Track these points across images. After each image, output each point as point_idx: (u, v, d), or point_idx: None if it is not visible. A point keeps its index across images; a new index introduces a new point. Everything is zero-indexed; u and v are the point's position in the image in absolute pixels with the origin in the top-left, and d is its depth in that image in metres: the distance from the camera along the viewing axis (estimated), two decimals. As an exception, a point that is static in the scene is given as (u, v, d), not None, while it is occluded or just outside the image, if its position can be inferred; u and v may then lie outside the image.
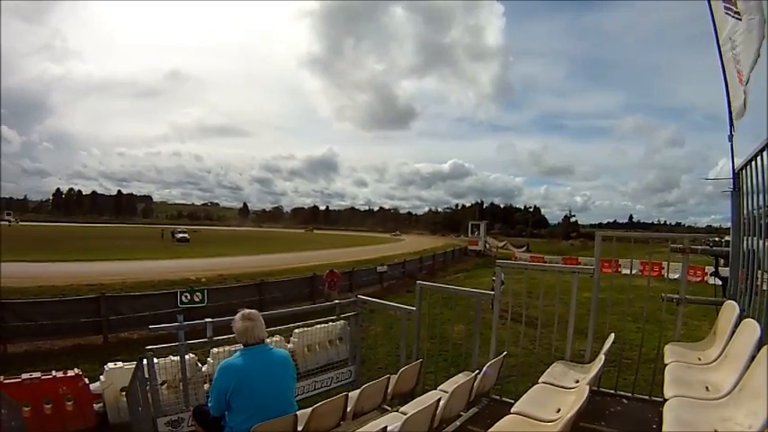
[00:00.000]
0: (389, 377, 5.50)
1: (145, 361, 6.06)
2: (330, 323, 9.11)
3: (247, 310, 3.92)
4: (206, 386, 7.70)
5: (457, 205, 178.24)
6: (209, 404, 3.85)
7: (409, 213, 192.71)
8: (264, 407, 3.68)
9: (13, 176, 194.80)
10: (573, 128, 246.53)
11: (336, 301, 8.64)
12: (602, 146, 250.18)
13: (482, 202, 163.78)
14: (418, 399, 5.23)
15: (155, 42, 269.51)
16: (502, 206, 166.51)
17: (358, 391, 5.17)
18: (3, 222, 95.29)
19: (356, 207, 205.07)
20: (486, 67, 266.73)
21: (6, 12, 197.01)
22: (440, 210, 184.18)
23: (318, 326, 8.94)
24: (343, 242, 73.57)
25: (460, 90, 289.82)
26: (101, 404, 8.98)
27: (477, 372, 5.55)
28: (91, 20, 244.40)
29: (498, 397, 6.01)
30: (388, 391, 5.47)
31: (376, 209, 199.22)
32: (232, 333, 3.75)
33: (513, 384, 6.21)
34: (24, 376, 8.43)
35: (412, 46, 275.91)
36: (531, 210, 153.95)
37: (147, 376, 6.09)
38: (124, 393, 8.78)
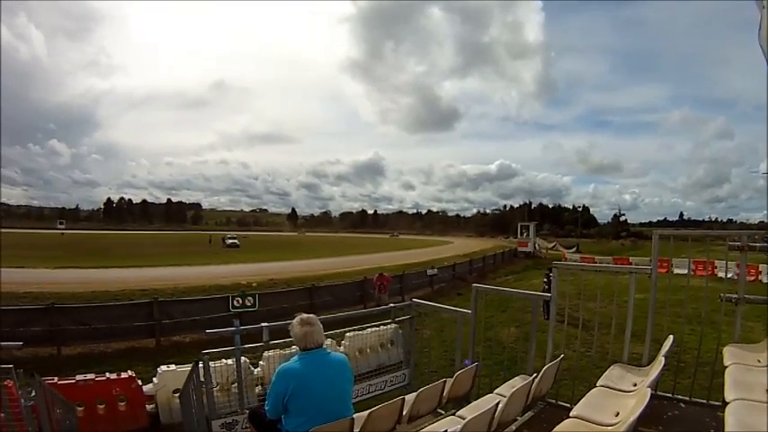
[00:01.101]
0: (445, 380, 5.44)
1: (201, 364, 6.19)
2: (382, 326, 9.08)
3: (306, 315, 3.96)
4: (257, 389, 7.79)
5: (505, 206, 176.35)
6: (266, 407, 3.90)
7: (457, 215, 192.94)
8: (322, 410, 3.69)
9: (64, 187, 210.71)
10: (619, 123, 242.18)
11: (392, 305, 8.71)
12: (650, 141, 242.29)
13: (530, 203, 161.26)
14: (475, 403, 5.17)
15: (197, 54, 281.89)
16: (550, 206, 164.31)
17: (414, 394, 5.13)
18: (56, 231, 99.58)
19: (404, 210, 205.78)
20: (528, 65, 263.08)
21: (53, 31, 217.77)
22: (488, 211, 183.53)
23: (370, 329, 8.88)
24: (392, 245, 73.55)
25: (503, 89, 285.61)
26: (153, 405, 9.22)
27: (534, 375, 5.44)
28: (133, 36, 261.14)
29: (554, 401, 5.88)
30: (444, 394, 5.42)
31: (424, 212, 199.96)
32: (284, 337, 3.70)
33: (566, 388, 6.10)
34: (78, 377, 8.72)
35: (451, 46, 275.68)
36: (580, 209, 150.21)
37: (202, 379, 6.20)
38: (177, 395, 8.95)
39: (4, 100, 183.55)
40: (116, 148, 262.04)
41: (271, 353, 7.51)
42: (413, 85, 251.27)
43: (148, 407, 9.22)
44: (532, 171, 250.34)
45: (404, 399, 4.57)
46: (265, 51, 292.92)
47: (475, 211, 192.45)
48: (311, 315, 3.99)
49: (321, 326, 3.94)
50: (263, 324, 6.58)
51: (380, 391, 7.66)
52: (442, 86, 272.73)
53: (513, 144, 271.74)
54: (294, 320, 3.92)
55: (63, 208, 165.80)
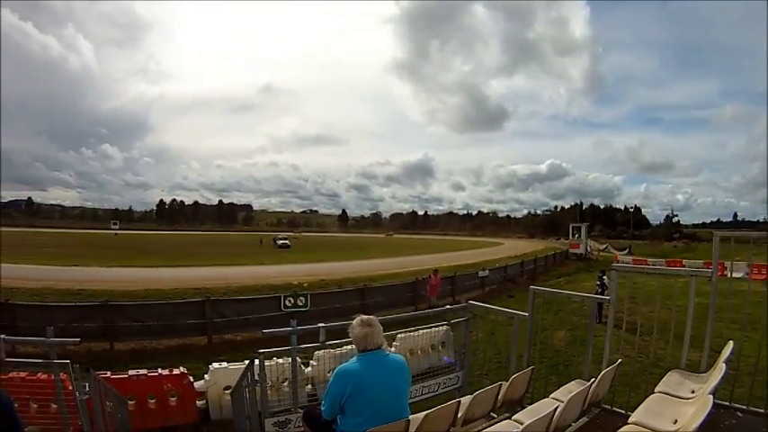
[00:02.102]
0: (501, 384, 5.37)
1: (257, 362, 6.31)
2: (434, 328, 9.12)
3: (366, 316, 3.98)
4: (308, 388, 7.97)
5: (556, 207, 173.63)
6: (323, 407, 3.94)
7: (508, 216, 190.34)
8: (379, 411, 3.71)
9: (117, 189, 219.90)
10: (670, 120, 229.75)
11: (447, 307, 8.61)
12: (702, 138, 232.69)
13: (581, 204, 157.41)
14: (531, 407, 5.11)
15: (245, 59, 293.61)
16: (601, 207, 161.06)
17: (470, 397, 5.07)
18: (110, 231, 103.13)
19: (454, 211, 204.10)
20: (575, 61, 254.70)
21: (101, 41, 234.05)
22: (539, 212, 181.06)
23: (422, 331, 8.84)
24: (443, 247, 73.13)
25: (551, 86, 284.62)
26: (203, 401, 9.47)
27: (592, 380, 5.30)
28: (181, 43, 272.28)
29: (609, 407, 5.80)
30: (498, 397, 5.35)
31: (474, 213, 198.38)
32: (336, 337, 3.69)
33: (619, 394, 5.99)
34: (131, 372, 9.01)
35: (497, 44, 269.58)
36: (632, 210, 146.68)
37: (256, 378, 6.34)
38: (227, 392, 9.18)
39: (57, 108, 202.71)
40: (167, 151, 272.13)
41: (322, 353, 7.72)
42: (460, 84, 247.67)
43: (199, 403, 9.46)
44: (583, 171, 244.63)
45: (460, 401, 4.55)
46: (311, 55, 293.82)
47: (525, 212, 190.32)
48: (371, 316, 4.01)
49: (381, 327, 3.95)
50: (319, 324, 6.61)
51: (433, 393, 7.59)
52: (489, 85, 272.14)
53: (562, 143, 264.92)
54: (354, 321, 3.95)
55: (116, 209, 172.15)
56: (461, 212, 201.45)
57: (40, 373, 7.00)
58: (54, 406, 6.53)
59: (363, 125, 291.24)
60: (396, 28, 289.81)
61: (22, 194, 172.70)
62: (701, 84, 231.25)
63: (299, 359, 8.17)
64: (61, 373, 7.12)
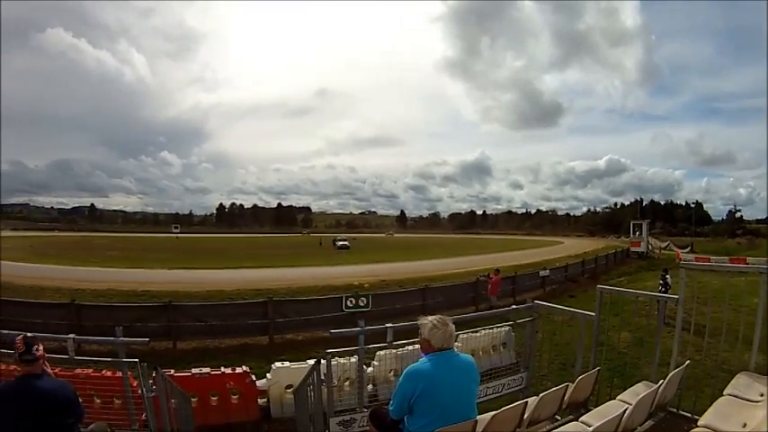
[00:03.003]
0: (567, 385, 5.32)
1: (324, 362, 6.39)
2: (495, 329, 9.16)
3: (439, 316, 3.96)
4: (369, 387, 8.03)
5: (615, 204, 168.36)
6: (391, 407, 3.95)
7: (567, 215, 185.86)
8: (447, 412, 3.71)
9: (177, 194, 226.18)
10: (729, 110, 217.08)
11: (513, 307, 8.54)
12: (763, 128, 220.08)
13: (641, 200, 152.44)
14: (598, 409, 5.08)
15: (298, 65, 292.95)
16: (662, 203, 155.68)
17: (536, 398, 5.04)
18: (171, 234, 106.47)
19: (513, 210, 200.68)
20: (628, 51, 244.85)
21: (157, 53, 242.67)
22: (598, 210, 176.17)
23: (483, 331, 8.71)
24: (502, 246, 72.21)
25: (605, 79, 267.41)
26: (265, 399, 9.66)
27: (661, 382, 5.16)
28: (235, 51, 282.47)
29: (675, 410, 5.63)
30: (564, 399, 5.31)
31: (533, 211, 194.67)
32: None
33: (685, 398, 5.78)
34: (194, 370, 9.27)
35: (547, 38, 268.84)
36: (693, 205, 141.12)
37: (322, 377, 6.40)
38: (289, 391, 9.38)
39: (115, 119, 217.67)
40: (226, 156, 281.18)
41: (384, 353, 7.77)
42: (512, 80, 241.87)
43: (260, 401, 9.64)
44: (642, 166, 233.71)
45: (527, 402, 4.59)
46: (363, 57, 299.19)
47: (585, 209, 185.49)
48: (443, 316, 3.98)
49: (453, 327, 3.92)
50: (387, 325, 6.63)
51: (497, 394, 7.53)
52: (542, 80, 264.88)
53: (620, 137, 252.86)
54: (426, 320, 3.92)
55: (177, 213, 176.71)
56: (520, 211, 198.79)
57: (104, 371, 7.23)
58: (117, 401, 6.88)
59: (418, 125, 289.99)
60: (444, 26, 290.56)
61: (85, 201, 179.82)
62: (761, 70, 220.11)
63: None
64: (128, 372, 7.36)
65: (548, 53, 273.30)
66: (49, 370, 3.98)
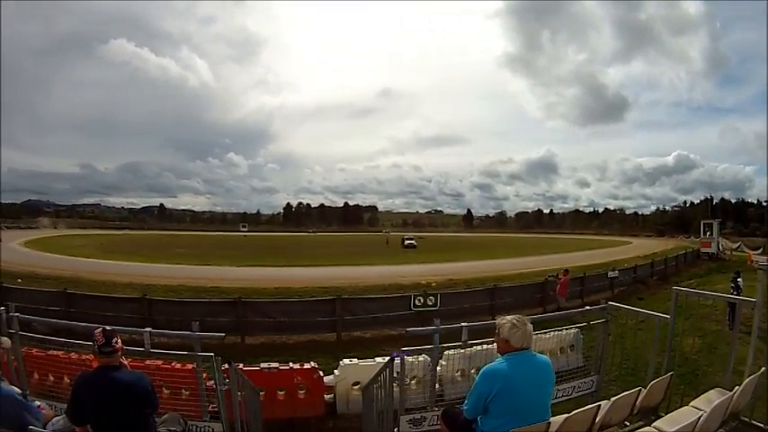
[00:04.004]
0: (639, 389, 5.20)
1: (397, 360, 6.46)
2: (564, 330, 9.03)
3: (517, 316, 3.99)
4: (435, 386, 7.78)
5: (684, 202, 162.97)
6: (465, 406, 3.98)
7: (635, 213, 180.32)
8: (522, 413, 3.71)
9: (244, 194, 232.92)
10: None
11: (587, 308, 8.37)
12: None
13: (711, 198, 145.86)
14: (670, 416, 4.94)
15: (360, 66, 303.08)
16: (732, 201, 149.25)
17: (609, 402, 4.93)
18: (239, 233, 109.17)
19: (580, 209, 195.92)
20: (693, 41, 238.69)
21: (220, 59, 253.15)
22: (667, 208, 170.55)
23: (552, 333, 8.54)
24: (570, 246, 70.65)
25: (670, 70, 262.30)
26: (331, 395, 9.79)
27: (736, 389, 5.02)
28: (297, 54, 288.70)
29: (747, 419, 5.44)
30: (636, 404, 5.22)
31: (601, 210, 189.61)
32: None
33: (758, 407, 5.52)
34: (263, 365, 9.48)
35: (609, 29, 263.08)
36: (766, 204, 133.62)
37: (395, 375, 6.45)
38: (355, 387, 9.53)
39: (181, 123, 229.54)
40: (291, 157, 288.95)
41: (452, 352, 7.67)
42: (575, 74, 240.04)
43: (326, 396, 9.76)
44: (712, 162, 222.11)
45: (599, 405, 4.56)
46: (424, 56, 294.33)
47: (653, 208, 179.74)
48: (521, 316, 4.00)
49: (531, 327, 3.94)
50: (462, 324, 6.62)
51: (567, 397, 7.39)
52: (606, 74, 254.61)
53: (688, 132, 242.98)
54: (505, 320, 3.94)
55: (244, 213, 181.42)
56: (587, 210, 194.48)
57: (173, 363, 7.51)
58: (185, 392, 7.09)
59: (483, 123, 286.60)
60: (503, 22, 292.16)
61: (154, 201, 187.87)
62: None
63: (428, 357, 8.26)
64: (194, 363, 7.54)
65: (610, 45, 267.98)
66: (125, 362, 4.12)
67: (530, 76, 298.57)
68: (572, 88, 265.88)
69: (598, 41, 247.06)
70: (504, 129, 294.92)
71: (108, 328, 3.97)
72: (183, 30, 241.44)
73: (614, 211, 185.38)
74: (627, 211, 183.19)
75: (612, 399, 4.93)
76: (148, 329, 6.14)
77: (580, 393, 7.66)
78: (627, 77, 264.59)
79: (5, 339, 4.53)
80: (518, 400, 3.69)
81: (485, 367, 3.90)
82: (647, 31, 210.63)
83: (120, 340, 3.94)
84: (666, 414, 5.09)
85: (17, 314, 6.52)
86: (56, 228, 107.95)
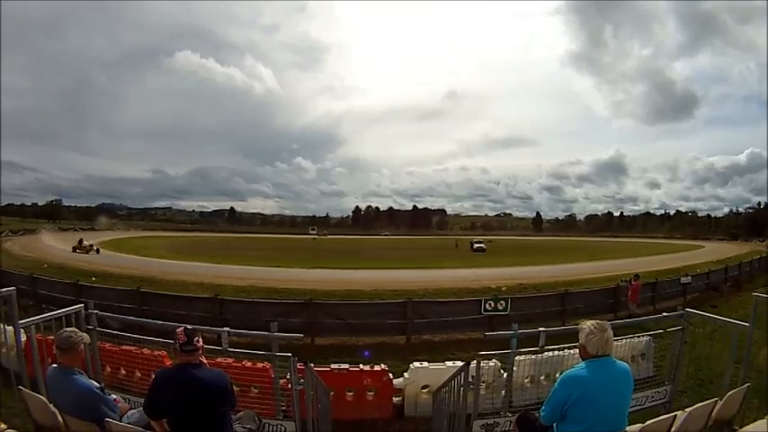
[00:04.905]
0: (716, 401, 5.05)
1: (473, 364, 6.43)
2: (635, 338, 8.96)
3: (596, 321, 3.97)
4: (503, 392, 7.76)
5: (759, 204, 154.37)
6: (542, 412, 4.00)
7: (708, 216, 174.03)
8: (600, 420, 3.70)
9: (313, 198, 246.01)
10: None
11: (664, 314, 8.15)
12: None
13: None
14: (745, 429, 4.72)
15: (426, 69, 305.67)
16: None
17: (684, 413, 4.81)
18: (308, 236, 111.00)
19: (650, 211, 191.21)
20: (759, 29, 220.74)
21: (285, 66, 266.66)
22: (741, 210, 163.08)
23: (623, 340, 8.30)
24: (640, 250, 68.56)
25: (739, 62, 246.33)
26: (400, 398, 9.79)
27: None
28: (362, 59, 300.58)
29: None
30: (711, 415, 5.05)
31: (672, 212, 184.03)
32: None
33: None
34: (333, 366, 9.59)
35: (672, 21, 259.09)
36: None
37: (470, 380, 6.43)
38: (424, 390, 9.55)
39: (249, 129, 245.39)
40: (359, 161, 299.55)
41: (522, 357, 7.58)
42: (642, 70, 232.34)
43: (395, 399, 9.78)
44: None
45: (675, 416, 4.48)
46: (489, 57, 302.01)
47: (726, 210, 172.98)
48: (604, 321, 3.98)
49: (611, 333, 3.90)
50: (540, 329, 6.63)
51: (639, 407, 7.20)
52: (672, 68, 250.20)
53: (761, 128, 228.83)
54: (585, 325, 3.94)
55: (313, 216, 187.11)
56: (658, 212, 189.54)
57: (244, 361, 7.76)
58: (254, 390, 7.32)
59: (549, 123, 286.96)
60: (565, 19, 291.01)
61: (225, 205, 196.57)
62: None
63: (498, 363, 8.52)
64: (265, 363, 7.67)
65: (675, 38, 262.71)
66: (204, 360, 4.24)
67: (595, 74, 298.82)
68: (639, 85, 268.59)
69: (662, 34, 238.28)
70: (572, 129, 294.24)
71: (189, 327, 4.12)
72: (247, 39, 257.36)
73: (686, 213, 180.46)
74: (699, 214, 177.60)
75: (688, 409, 4.84)
76: (226, 329, 6.32)
77: (653, 403, 7.52)
78: (694, 71, 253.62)
79: (86, 335, 4.65)
80: (596, 408, 3.67)
81: (564, 373, 3.90)
82: (712, 21, 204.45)
83: (201, 339, 4.07)
84: (741, 428, 4.91)
85: (95, 311, 6.77)
86: (113, 229, 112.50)
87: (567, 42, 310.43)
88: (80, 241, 50.72)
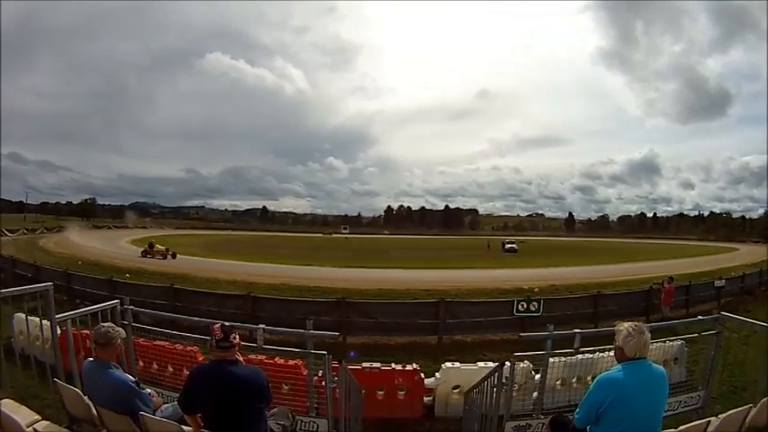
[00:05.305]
0: (750, 407, 5.01)
1: (507, 365, 6.47)
2: (667, 342, 8.76)
3: (634, 323, 3.92)
4: (534, 394, 7.93)
5: None
6: (576, 415, 3.99)
7: (743, 217, 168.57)
8: (635, 424, 3.67)
9: (345, 197, 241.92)
10: None
11: (699, 318, 8.16)
12: None
13: None
14: None
15: (456, 68, 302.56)
16: None
17: (717, 419, 4.82)
18: (340, 235, 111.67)
19: (684, 212, 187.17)
20: None
21: (316, 67, 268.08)
22: None
23: (656, 344, 8.17)
24: (673, 252, 67.35)
25: None
26: (430, 398, 9.81)
27: None
28: (392, 60, 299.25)
29: None
30: (745, 422, 4.98)
31: (706, 213, 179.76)
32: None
33: None
34: (365, 364, 9.59)
35: (704, 16, 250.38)
36: None
37: (503, 381, 6.44)
38: (455, 391, 9.55)
39: (281, 129, 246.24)
40: (391, 160, 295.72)
41: (553, 360, 7.55)
42: (674, 67, 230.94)
43: (425, 399, 9.78)
44: None
45: (709, 421, 4.57)
46: (520, 55, 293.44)
47: (762, 211, 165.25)
48: (640, 323, 3.94)
49: (649, 335, 3.87)
50: (575, 330, 6.73)
51: (672, 412, 7.17)
52: (705, 65, 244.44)
53: None
54: (622, 327, 3.89)
55: (345, 215, 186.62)
56: (692, 213, 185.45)
57: (276, 358, 7.81)
58: (286, 387, 7.45)
59: (581, 122, 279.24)
60: (594, 15, 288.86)
61: (257, 204, 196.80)
62: None
63: (530, 364, 8.42)
64: (297, 360, 7.73)
65: (707, 33, 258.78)
66: (240, 357, 4.26)
67: (626, 72, 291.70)
68: (671, 83, 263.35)
69: (694, 30, 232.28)
70: (604, 128, 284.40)
71: (227, 323, 4.13)
72: (277, 41, 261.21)
73: (720, 214, 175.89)
74: (733, 215, 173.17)
75: (721, 416, 4.83)
76: (262, 326, 6.42)
77: (686, 408, 7.49)
78: (727, 68, 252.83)
79: (122, 330, 4.73)
80: (631, 411, 3.63)
81: (600, 375, 3.88)
82: (744, 15, 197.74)
83: (237, 336, 4.08)
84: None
85: (131, 307, 6.89)
86: (147, 227, 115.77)
87: (598, 39, 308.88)
88: (150, 245, 44.15)
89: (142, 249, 44.73)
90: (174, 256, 42.35)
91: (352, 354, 6.41)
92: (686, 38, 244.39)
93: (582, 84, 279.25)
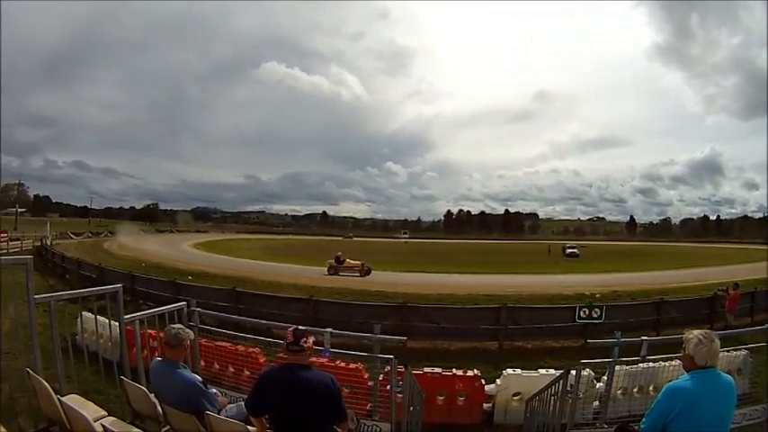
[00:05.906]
0: None
1: (573, 372, 6.49)
2: (732, 352, 8.61)
3: (704, 331, 3.86)
4: (595, 404, 7.82)
5: None
6: (643, 424, 3.90)
7: None
8: None
9: (404, 202, 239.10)
10: None
11: (766, 326, 8.11)
12: None
13: None
14: None
15: (513, 70, 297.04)
16: None
17: None
18: (400, 239, 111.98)
19: (748, 215, 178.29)
20: None
21: (372, 73, 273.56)
22: None
23: (722, 353, 7.91)
24: (737, 257, 64.59)
25: None
26: (490, 405, 9.76)
27: None
28: (448, 62, 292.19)
29: None
30: None
31: None
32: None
33: None
34: (426, 369, 9.69)
35: (760, 5, 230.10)
36: None
37: (568, 388, 6.48)
38: (516, 398, 9.48)
39: (339, 135, 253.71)
40: (450, 164, 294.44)
41: (617, 368, 7.45)
42: (733, 61, 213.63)
43: (485, 405, 9.74)
44: None
45: None
46: (576, 55, 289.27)
47: None
48: (710, 331, 3.87)
49: (719, 344, 3.79)
50: (642, 338, 6.71)
51: (737, 425, 6.83)
52: (764, 58, 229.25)
53: None
54: (692, 335, 3.82)
55: (405, 220, 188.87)
56: (757, 216, 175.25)
57: (337, 361, 7.86)
58: (346, 390, 7.35)
59: (640, 122, 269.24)
60: (647, 10, 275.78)
61: (317, 209, 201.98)
62: None
63: (592, 372, 8.20)
64: (358, 363, 7.80)
65: (764, 24, 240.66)
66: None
67: (684, 68, 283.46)
68: (731, 77, 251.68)
69: (751, 20, 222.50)
70: (663, 127, 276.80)
71: (301, 327, 4.19)
72: (332, 48, 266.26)
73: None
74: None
75: None
76: (329, 330, 6.52)
77: (750, 422, 7.36)
78: None
79: (191, 332, 4.89)
80: (698, 421, 3.56)
81: (668, 384, 3.82)
82: None
83: (309, 340, 4.07)
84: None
85: (198, 309, 7.10)
86: (208, 231, 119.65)
87: (653, 35, 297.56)
88: (337, 258, 36.88)
89: (328, 265, 36.64)
90: (368, 271, 35.99)
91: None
92: (743, 29, 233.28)
93: (639, 82, 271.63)
